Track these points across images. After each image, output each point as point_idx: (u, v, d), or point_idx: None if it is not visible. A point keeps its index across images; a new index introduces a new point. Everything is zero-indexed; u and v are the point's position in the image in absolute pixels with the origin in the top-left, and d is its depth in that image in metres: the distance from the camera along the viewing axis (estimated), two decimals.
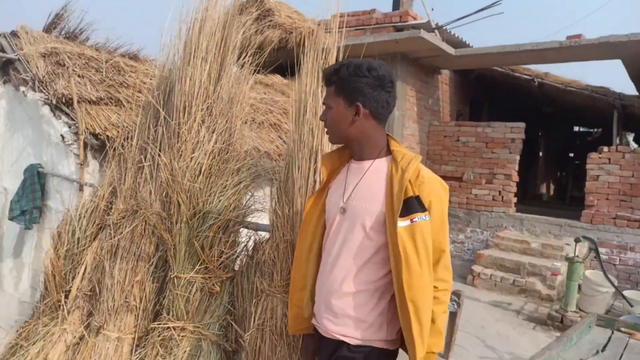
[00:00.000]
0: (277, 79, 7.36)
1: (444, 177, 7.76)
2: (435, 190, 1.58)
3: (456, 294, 3.97)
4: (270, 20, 7.57)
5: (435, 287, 1.58)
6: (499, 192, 7.39)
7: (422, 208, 1.54)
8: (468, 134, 7.73)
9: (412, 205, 1.53)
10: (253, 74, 3.18)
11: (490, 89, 9.91)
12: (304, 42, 7.58)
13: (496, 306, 5.58)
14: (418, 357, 1.51)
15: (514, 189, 7.35)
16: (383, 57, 7.29)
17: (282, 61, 7.10)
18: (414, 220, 1.51)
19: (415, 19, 7.61)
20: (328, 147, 2.27)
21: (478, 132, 7.65)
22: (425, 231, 1.52)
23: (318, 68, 2.33)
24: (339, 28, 8.35)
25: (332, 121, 1.67)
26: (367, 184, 1.64)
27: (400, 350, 1.71)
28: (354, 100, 1.61)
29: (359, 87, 1.60)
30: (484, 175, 7.53)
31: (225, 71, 2.73)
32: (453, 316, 3.96)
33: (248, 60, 3.51)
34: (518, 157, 7.31)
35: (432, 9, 7.86)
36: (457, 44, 7.85)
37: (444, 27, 7.47)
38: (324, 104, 1.72)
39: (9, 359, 3.05)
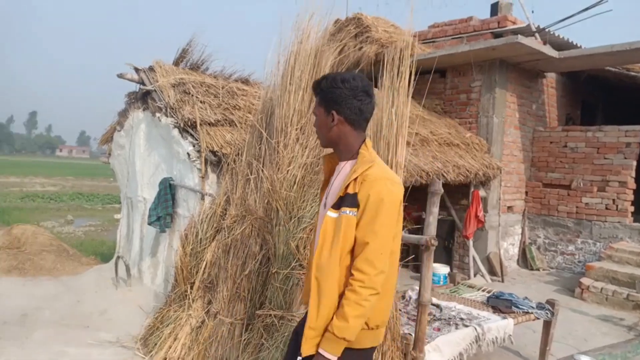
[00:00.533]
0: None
1: (550, 185, 7.49)
2: (375, 188, 1.70)
3: (550, 303, 3.95)
4: (368, 37, 7.91)
5: (351, 274, 1.68)
6: (613, 200, 6.91)
7: (354, 204, 1.71)
8: (577, 139, 7.33)
9: (346, 201, 1.72)
10: None
11: (603, 91, 9.24)
12: (400, 55, 7.85)
13: (605, 321, 5.28)
14: (307, 325, 1.69)
15: (631, 197, 6.81)
16: (480, 65, 7.28)
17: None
18: (342, 213, 1.71)
19: (514, 23, 7.47)
20: (402, 158, 2.55)
21: (588, 137, 7.23)
22: (347, 225, 1.69)
23: (393, 90, 2.62)
24: (436, 38, 8.49)
25: (317, 127, 1.92)
26: (336, 182, 1.86)
27: None
28: (331, 109, 1.83)
29: (334, 97, 1.82)
30: (595, 183, 7.09)
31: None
32: (547, 325, 3.93)
33: None
34: (634, 163, 6.79)
35: (533, 12, 7.61)
36: (562, 45, 7.54)
37: (546, 29, 7.23)
38: (313, 112, 1.94)
39: (149, 337, 3.74)
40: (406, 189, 5.35)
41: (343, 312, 1.65)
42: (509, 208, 7.53)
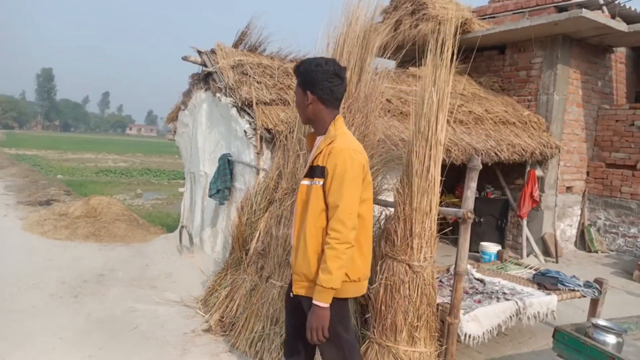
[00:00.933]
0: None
1: (614, 165, 7.20)
2: (340, 158, 1.96)
3: (598, 282, 3.92)
4: (424, 14, 7.81)
5: (328, 234, 1.95)
6: None
7: (321, 175, 2.00)
8: None
9: (316, 172, 2.03)
10: (406, 68, 3.62)
11: None
12: (455, 32, 7.70)
13: None
14: (292, 271, 2.10)
15: None
16: (541, 40, 7.04)
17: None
18: (313, 182, 2.03)
19: None
20: (443, 137, 2.66)
21: None
22: (315, 192, 2.01)
23: (435, 69, 2.71)
24: (496, 13, 8.29)
25: (296, 105, 2.20)
26: (311, 155, 2.14)
27: None
28: (306, 89, 2.11)
29: (309, 79, 2.10)
30: None
31: (364, 74, 3.28)
32: (594, 303, 3.92)
33: (394, 56, 4.01)
34: None
35: None
36: (634, 18, 7.10)
37: (616, 2, 6.84)
38: (294, 92, 2.16)
39: (208, 298, 4.11)
40: (457, 166, 5.38)
41: (326, 267, 1.92)
42: (568, 188, 7.32)
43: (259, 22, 6.01)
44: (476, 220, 7.37)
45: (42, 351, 3.30)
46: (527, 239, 6.81)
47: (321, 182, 2.00)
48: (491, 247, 6.30)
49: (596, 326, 1.70)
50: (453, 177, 7.76)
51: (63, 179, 14.48)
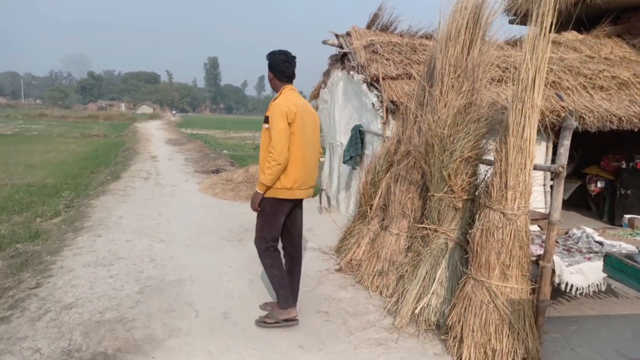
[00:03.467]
0: (571, 35, 7.33)
1: None
2: (272, 110, 3.15)
3: None
4: None
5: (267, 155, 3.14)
6: None
7: (267, 122, 3.18)
8: None
9: (266, 119, 3.20)
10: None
11: None
12: None
13: None
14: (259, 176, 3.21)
15: None
16: None
17: (584, 15, 7.10)
18: (264, 126, 3.22)
19: None
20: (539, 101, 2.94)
21: None
22: (265, 132, 3.22)
23: (534, 38, 2.96)
24: None
25: (268, 80, 3.38)
26: None
27: None
28: (269, 69, 3.33)
29: (269, 63, 3.32)
30: None
31: (473, 47, 3.62)
32: None
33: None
34: None
35: None
36: None
37: None
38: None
39: (340, 246, 4.88)
40: (604, 137, 5.35)
41: (263, 170, 3.15)
42: None
43: (389, 2, 6.50)
44: (622, 192, 6.97)
45: (218, 273, 4.40)
46: None
47: (267, 126, 3.21)
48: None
49: None
50: (599, 149, 7.40)
51: (228, 153, 16.74)
